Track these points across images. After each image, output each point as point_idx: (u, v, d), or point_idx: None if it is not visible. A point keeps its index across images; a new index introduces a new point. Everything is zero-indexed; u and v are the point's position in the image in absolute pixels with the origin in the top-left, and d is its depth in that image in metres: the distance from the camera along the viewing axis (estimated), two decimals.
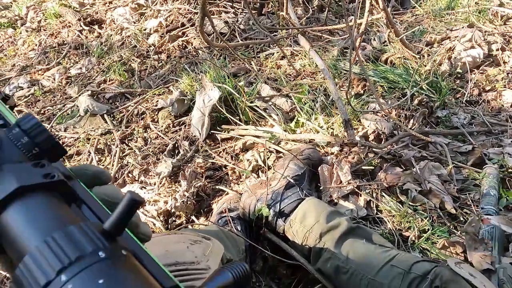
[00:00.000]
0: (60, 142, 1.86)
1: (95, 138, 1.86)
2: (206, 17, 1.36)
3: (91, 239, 0.27)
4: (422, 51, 2.04)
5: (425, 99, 1.66)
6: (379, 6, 1.57)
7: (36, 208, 0.32)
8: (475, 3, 2.43)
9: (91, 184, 0.41)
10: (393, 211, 1.27)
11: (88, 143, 1.85)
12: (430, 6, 2.53)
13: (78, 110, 2.01)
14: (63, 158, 1.75)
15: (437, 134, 1.56)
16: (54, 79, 2.53)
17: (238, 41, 2.32)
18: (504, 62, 1.90)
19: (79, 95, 2.07)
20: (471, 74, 1.84)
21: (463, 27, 2.11)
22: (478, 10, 2.31)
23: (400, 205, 1.29)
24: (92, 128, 1.92)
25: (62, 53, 2.82)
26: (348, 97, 1.41)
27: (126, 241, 0.32)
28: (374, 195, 1.33)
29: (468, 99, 1.75)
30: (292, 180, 1.27)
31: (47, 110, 2.22)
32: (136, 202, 0.30)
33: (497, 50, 1.94)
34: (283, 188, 1.26)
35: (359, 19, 1.65)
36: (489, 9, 2.29)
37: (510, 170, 1.35)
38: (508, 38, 2.06)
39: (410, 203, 1.28)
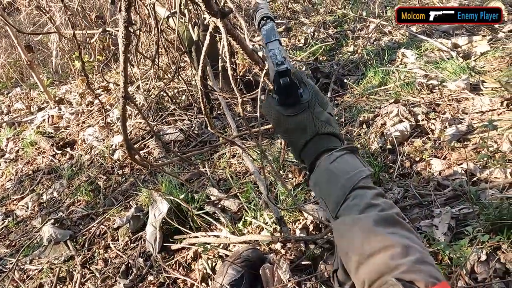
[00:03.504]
0: (25, 275, 1.92)
1: (57, 267, 1.91)
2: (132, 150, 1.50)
3: None
4: (358, 131, 2.20)
5: None
6: None
7: None
8: (404, 76, 2.66)
9: None
10: None
11: (51, 273, 1.90)
12: (364, 84, 2.76)
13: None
14: None
15: None
16: (27, 207, 2.65)
17: (193, 145, 2.49)
18: (431, 130, 2.04)
19: (43, 225, 2.16)
20: (401, 148, 1.97)
21: (390, 103, 2.30)
22: (406, 83, 2.53)
23: None
24: (56, 256, 1.98)
25: (36, 180, 2.97)
26: (272, 200, 1.51)
27: None
28: None
29: (401, 172, 1.86)
30: (228, 287, 1.32)
31: (18, 241, 2.30)
32: None
33: (423, 120, 2.10)
34: None
35: None
36: (415, 81, 2.51)
37: (438, 240, 1.40)
38: (434, 106, 2.24)
39: None
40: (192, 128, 2.65)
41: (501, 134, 1.84)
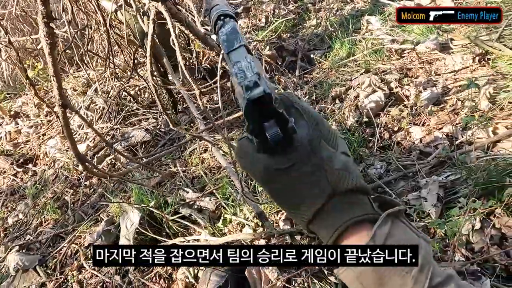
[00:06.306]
0: None
1: None
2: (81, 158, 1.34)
3: None
4: (332, 107, 2.09)
5: None
6: None
7: None
8: (371, 44, 2.56)
9: None
10: None
11: None
12: (332, 57, 2.65)
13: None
14: None
15: None
16: None
17: (162, 145, 2.33)
18: (406, 97, 1.96)
19: (7, 254, 1.98)
20: (377, 119, 1.88)
21: (361, 74, 2.20)
22: (374, 51, 2.43)
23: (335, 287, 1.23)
24: (25, 286, 1.82)
25: None
26: (249, 196, 1.39)
27: None
28: (306, 284, 1.27)
29: (381, 144, 1.77)
30: None
31: None
32: None
33: (396, 87, 2.01)
34: None
35: None
36: (383, 48, 2.41)
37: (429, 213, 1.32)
38: (406, 71, 2.15)
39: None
40: (159, 127, 2.49)
41: (477, 92, 1.77)
